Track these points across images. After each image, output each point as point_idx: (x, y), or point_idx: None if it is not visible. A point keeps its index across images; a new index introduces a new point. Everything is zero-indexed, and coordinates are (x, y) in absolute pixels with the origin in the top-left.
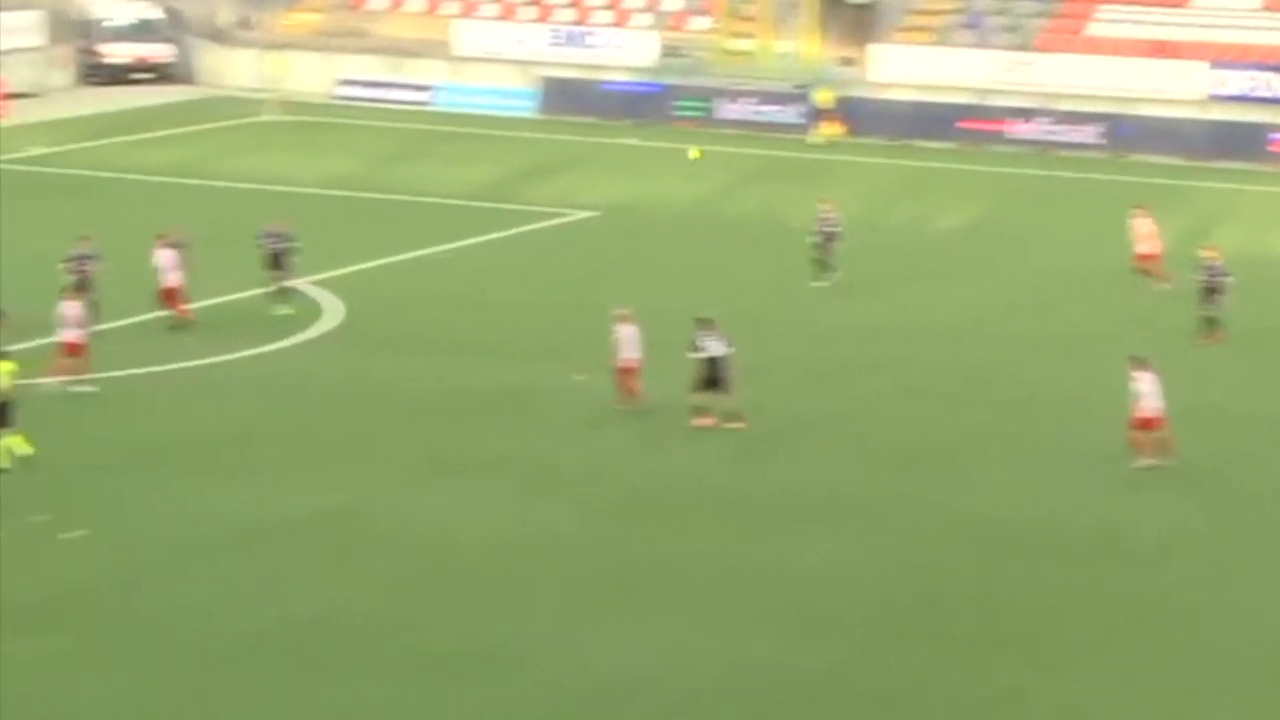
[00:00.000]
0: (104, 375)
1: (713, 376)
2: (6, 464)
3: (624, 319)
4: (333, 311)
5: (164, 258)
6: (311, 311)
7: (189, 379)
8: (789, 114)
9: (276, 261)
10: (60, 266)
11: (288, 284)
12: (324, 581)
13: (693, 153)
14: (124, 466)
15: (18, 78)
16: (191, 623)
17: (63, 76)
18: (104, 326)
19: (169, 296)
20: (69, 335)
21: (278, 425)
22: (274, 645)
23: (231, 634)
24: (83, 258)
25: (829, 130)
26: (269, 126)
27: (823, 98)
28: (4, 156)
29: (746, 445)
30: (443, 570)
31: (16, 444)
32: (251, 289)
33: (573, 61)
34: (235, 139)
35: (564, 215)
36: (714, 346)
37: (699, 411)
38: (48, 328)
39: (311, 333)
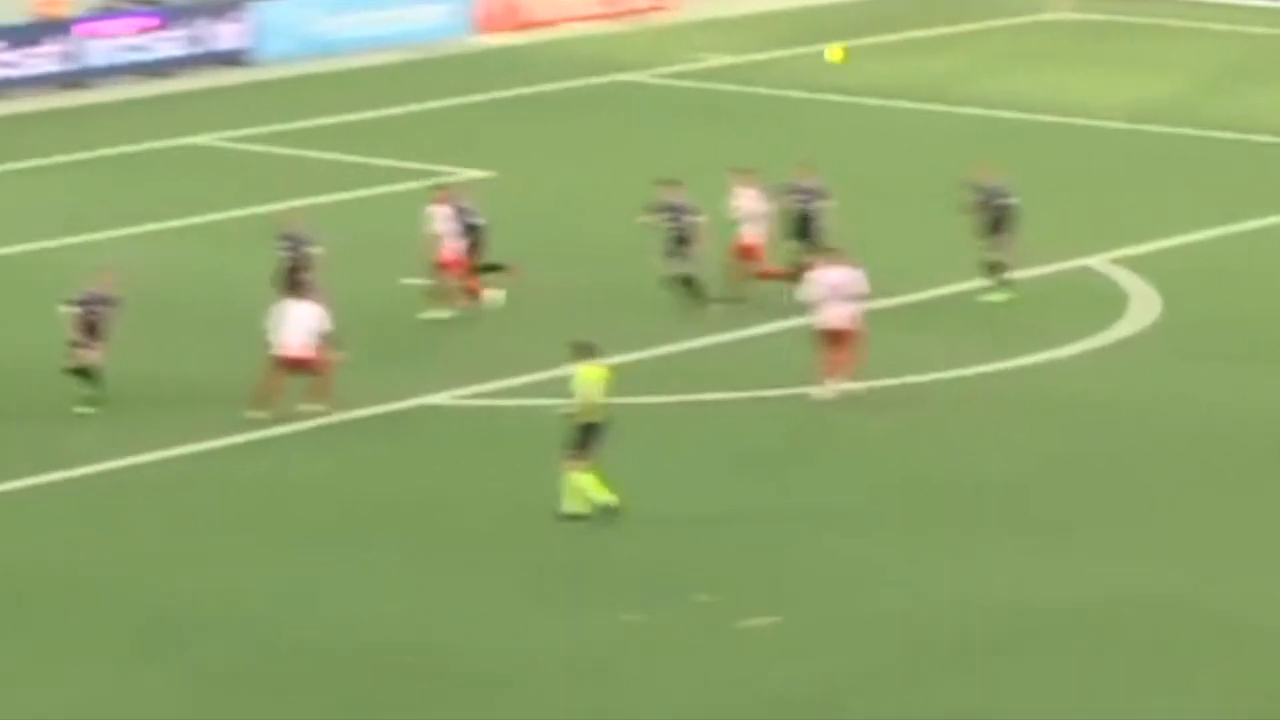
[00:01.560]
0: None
1: None
2: (583, 508)
3: None
4: (1143, 303)
5: (746, 200)
6: (1115, 302)
7: (908, 394)
8: None
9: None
10: (644, 220)
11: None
12: (1111, 694)
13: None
14: (828, 520)
15: None
16: None
17: None
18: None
19: (746, 255)
20: (834, 316)
21: (1062, 466)
22: None
23: None
24: (674, 210)
25: None
26: (1055, 29)
27: None
28: (667, 68)
29: None
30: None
31: (589, 484)
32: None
33: None
34: (1003, 47)
35: None
36: None
37: None
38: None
39: (1113, 333)
